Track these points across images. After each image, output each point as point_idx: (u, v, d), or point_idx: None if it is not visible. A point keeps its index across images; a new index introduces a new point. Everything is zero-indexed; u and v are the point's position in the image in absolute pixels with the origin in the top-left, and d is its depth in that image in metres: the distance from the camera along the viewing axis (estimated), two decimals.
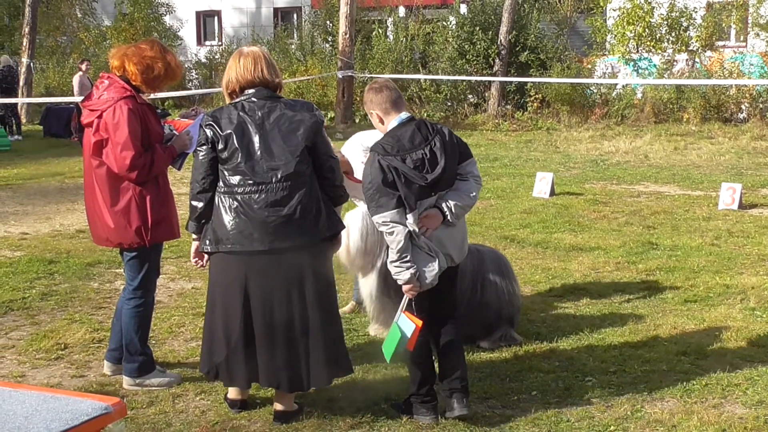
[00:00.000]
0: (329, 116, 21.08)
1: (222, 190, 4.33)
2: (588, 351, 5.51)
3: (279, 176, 4.25)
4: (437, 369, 4.62)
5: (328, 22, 25.47)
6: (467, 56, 21.26)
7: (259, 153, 4.29)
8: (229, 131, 4.30)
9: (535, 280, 7.24)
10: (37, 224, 10.03)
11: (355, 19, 21.57)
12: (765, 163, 14.28)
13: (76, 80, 19.98)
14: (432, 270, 4.33)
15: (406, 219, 4.26)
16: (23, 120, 21.70)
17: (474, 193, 4.45)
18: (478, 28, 21.21)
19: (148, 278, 4.97)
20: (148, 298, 4.99)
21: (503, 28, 21.04)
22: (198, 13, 29.83)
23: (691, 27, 20.36)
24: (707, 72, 19.81)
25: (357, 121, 21.04)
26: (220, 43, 28.97)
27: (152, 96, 5.14)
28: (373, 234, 5.39)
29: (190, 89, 25.41)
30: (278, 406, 4.51)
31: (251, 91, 4.41)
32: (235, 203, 4.28)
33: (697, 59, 20.24)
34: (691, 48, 20.32)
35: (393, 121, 4.45)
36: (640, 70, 20.74)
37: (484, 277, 5.62)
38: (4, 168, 14.97)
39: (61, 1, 30.24)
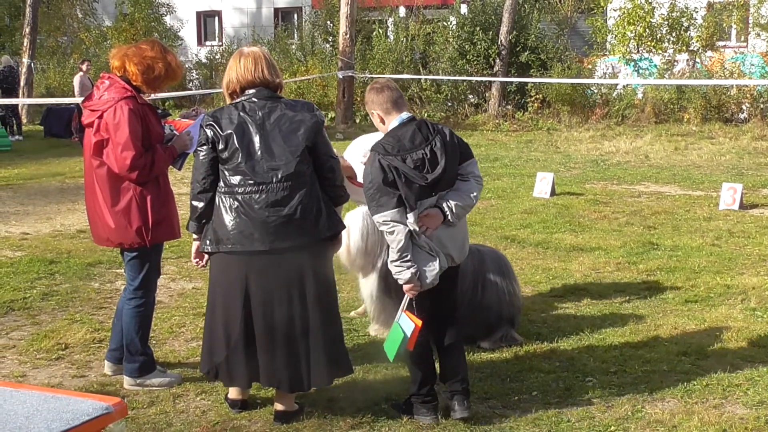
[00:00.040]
0: (330, 116, 21.08)
1: (222, 190, 4.33)
2: (588, 351, 5.50)
3: (279, 176, 4.25)
4: (438, 369, 4.62)
5: (328, 22, 25.46)
6: (468, 56, 21.27)
7: (259, 153, 4.29)
8: (229, 131, 4.30)
9: (536, 280, 7.24)
10: (37, 224, 10.03)
11: (356, 19, 21.57)
12: (766, 164, 14.27)
13: (76, 80, 19.98)
14: (432, 270, 4.33)
15: (407, 218, 4.27)
16: (24, 120, 21.71)
17: (475, 194, 4.45)
18: (478, 29, 21.21)
19: (149, 278, 4.97)
20: (148, 298, 4.99)
21: (504, 29, 21.04)
22: (198, 14, 29.81)
23: (691, 27, 20.36)
24: (708, 72, 19.80)
25: (357, 121, 21.04)
26: (220, 43, 28.95)
27: (153, 96, 5.13)
28: (373, 234, 5.40)
29: (191, 89, 25.43)
30: (279, 406, 4.52)
31: (252, 91, 4.41)
32: (236, 203, 4.28)
33: (697, 59, 20.23)
34: (691, 48, 20.32)
35: (394, 121, 4.45)
36: (640, 71, 20.74)
37: (485, 278, 5.62)
38: (4, 168, 14.97)
39: (62, 1, 30.21)
